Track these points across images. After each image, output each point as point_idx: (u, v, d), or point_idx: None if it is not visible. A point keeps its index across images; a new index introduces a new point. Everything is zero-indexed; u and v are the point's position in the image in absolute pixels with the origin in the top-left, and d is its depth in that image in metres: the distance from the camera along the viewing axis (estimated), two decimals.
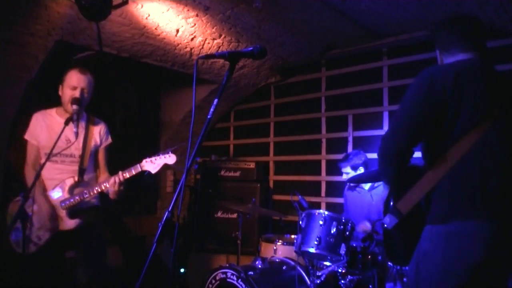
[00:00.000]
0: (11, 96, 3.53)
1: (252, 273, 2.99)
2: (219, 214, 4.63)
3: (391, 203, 1.86)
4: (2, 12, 2.89)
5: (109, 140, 2.96)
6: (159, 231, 1.45)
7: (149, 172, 2.62)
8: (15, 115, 3.58)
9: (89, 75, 2.76)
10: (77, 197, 2.65)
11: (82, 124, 2.82)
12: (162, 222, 1.45)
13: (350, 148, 4.31)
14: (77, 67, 2.77)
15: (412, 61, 3.97)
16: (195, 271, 4.50)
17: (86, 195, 2.66)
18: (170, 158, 2.63)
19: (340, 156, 4.29)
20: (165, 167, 2.64)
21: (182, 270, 4.59)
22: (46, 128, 2.73)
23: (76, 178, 2.70)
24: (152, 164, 2.63)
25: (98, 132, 2.88)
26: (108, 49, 3.67)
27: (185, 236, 4.83)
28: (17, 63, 3.34)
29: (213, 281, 3.06)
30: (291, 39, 3.98)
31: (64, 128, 2.52)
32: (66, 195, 2.66)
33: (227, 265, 3.13)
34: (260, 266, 3.14)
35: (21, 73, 3.42)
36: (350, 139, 4.35)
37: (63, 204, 2.65)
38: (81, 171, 2.74)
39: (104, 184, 2.65)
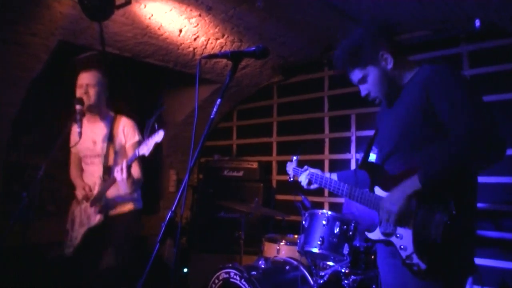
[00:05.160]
0: (13, 96, 3.53)
1: (255, 273, 2.98)
2: (221, 214, 4.62)
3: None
4: (3, 12, 2.90)
5: (136, 138, 2.89)
6: (162, 231, 1.44)
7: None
8: (16, 115, 3.58)
9: (94, 71, 2.78)
10: (97, 190, 2.75)
11: (106, 123, 2.84)
12: (165, 222, 1.45)
13: (353, 148, 4.30)
14: (83, 67, 2.80)
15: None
16: (197, 271, 4.49)
17: (104, 188, 2.74)
18: (158, 136, 2.56)
19: (343, 156, 4.29)
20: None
21: (184, 270, 4.59)
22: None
23: (103, 177, 2.76)
24: (146, 147, 2.61)
25: (122, 130, 2.87)
26: (111, 49, 3.67)
27: (187, 236, 4.83)
28: (19, 63, 3.34)
29: (216, 281, 3.06)
30: (292, 39, 3.97)
31: (67, 130, 2.55)
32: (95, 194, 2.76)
33: (230, 265, 3.12)
34: (263, 266, 3.14)
35: (23, 73, 3.42)
36: (353, 138, 4.33)
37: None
38: (106, 170, 2.77)
39: (114, 175, 2.69)
